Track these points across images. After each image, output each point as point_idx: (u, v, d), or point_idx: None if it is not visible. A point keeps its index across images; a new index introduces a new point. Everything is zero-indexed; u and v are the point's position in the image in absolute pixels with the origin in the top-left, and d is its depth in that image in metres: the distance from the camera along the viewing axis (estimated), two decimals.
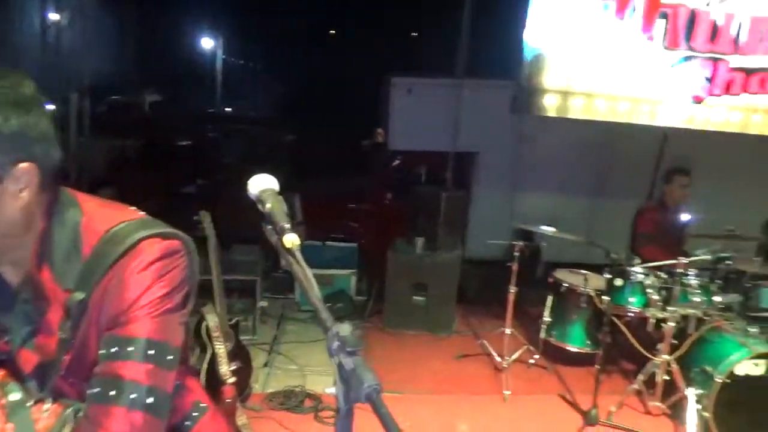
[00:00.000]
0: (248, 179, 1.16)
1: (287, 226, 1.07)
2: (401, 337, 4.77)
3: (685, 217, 4.45)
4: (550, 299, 4.37)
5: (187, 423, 1.25)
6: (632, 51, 4.75)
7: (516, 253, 4.11)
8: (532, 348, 4.37)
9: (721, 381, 3.37)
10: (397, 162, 6.73)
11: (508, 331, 4.20)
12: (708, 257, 3.78)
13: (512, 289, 4.13)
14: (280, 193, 1.16)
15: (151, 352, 1.03)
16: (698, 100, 4.89)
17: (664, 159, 5.40)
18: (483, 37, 6.31)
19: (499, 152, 6.01)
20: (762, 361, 3.39)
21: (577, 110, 5.02)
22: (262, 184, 1.16)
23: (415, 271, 4.89)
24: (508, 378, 3.99)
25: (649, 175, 5.47)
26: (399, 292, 4.88)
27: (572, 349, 4.25)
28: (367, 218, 5.89)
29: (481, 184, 6.21)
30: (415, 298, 4.89)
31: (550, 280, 4.43)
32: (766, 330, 3.65)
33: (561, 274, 4.41)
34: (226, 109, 17.60)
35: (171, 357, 1.06)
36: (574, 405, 3.85)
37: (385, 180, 6.28)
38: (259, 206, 1.14)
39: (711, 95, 4.91)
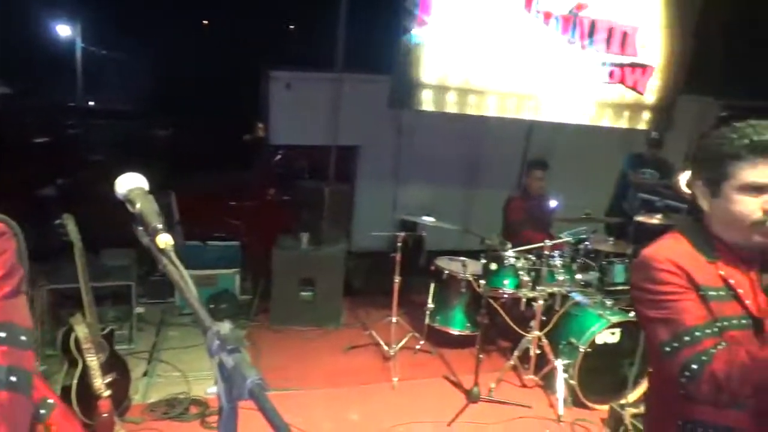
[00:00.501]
0: (116, 178, 1.12)
1: (159, 226, 1.04)
2: (289, 334, 4.73)
3: (552, 203, 4.83)
4: (432, 286, 4.56)
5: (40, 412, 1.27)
6: (503, 48, 5.04)
7: (399, 244, 4.24)
8: (417, 334, 4.53)
9: (584, 350, 3.73)
10: (278, 157, 6.64)
11: (394, 319, 4.32)
12: (570, 239, 4.15)
13: (397, 279, 4.26)
14: (152, 192, 1.12)
15: (3, 334, 1.04)
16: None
17: (530, 150, 5.82)
18: (361, 31, 6.38)
19: (380, 146, 6.13)
20: (617, 330, 3.79)
21: (452, 104, 5.25)
22: (130, 183, 1.12)
23: (300, 266, 4.87)
24: (396, 365, 4.11)
25: (517, 165, 5.88)
26: (285, 288, 4.83)
27: (454, 332, 4.47)
28: (250, 215, 5.75)
29: (363, 177, 6.30)
30: (301, 293, 4.87)
31: (432, 268, 4.62)
32: (619, 302, 4.08)
33: (442, 262, 4.62)
34: (89, 102, 16.26)
35: (24, 337, 1.07)
36: (457, 385, 4.06)
37: (268, 175, 6.18)
38: (128, 207, 1.10)
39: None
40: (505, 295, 4.16)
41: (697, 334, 1.40)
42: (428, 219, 4.26)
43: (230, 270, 5.11)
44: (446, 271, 4.45)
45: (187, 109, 13.68)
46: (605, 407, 3.71)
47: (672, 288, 1.46)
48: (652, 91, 5.75)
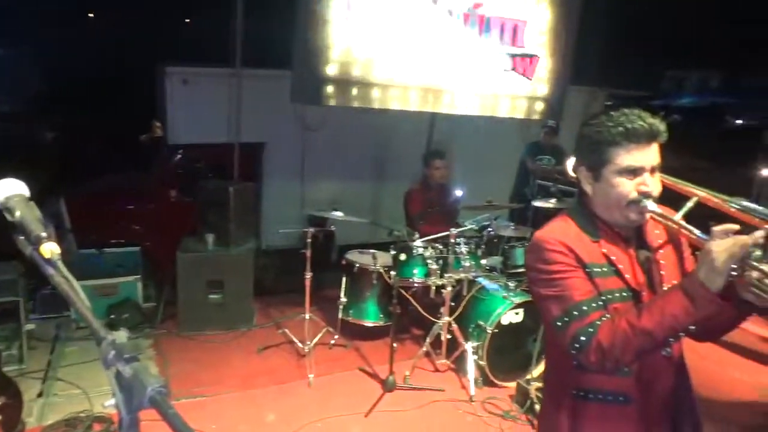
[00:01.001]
0: None
1: (43, 234, 0.97)
2: (199, 340, 4.57)
3: (458, 193, 4.97)
4: (344, 280, 4.58)
5: None
6: (404, 41, 5.13)
7: (308, 240, 4.21)
8: (331, 329, 4.54)
9: (491, 332, 3.90)
10: (179, 157, 6.36)
11: (307, 316, 4.30)
12: (473, 227, 4.32)
13: (308, 275, 4.24)
14: (36, 198, 1.05)
15: None
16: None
17: (433, 142, 5.98)
18: (260, 25, 6.25)
19: (285, 142, 6.05)
20: (521, 310, 4.00)
21: (355, 99, 5.27)
22: (7, 191, 1.05)
23: (207, 268, 4.71)
24: (311, 362, 4.10)
25: (421, 157, 6.01)
26: (192, 292, 4.67)
27: (368, 324, 4.53)
28: (151, 219, 5.47)
29: (270, 174, 6.20)
30: (210, 296, 4.72)
31: (343, 262, 4.64)
32: (522, 283, 4.30)
33: (353, 256, 4.65)
34: None
35: None
36: (373, 376, 4.11)
37: (168, 176, 5.89)
38: (7, 215, 1.02)
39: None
40: (416, 284, 4.26)
41: (584, 308, 1.50)
42: (337, 214, 4.28)
43: (131, 277, 4.86)
44: (357, 265, 4.49)
45: (77, 108, 12.75)
46: (513, 384, 3.92)
47: (562, 267, 1.55)
48: (543, 82, 6.08)
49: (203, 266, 4.71)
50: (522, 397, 3.75)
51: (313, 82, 4.93)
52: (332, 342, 4.51)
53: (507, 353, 4.02)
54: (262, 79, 5.68)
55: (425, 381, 4.03)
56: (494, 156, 6.66)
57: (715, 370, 4.55)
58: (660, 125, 1.53)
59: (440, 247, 4.29)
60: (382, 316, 4.51)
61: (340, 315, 4.55)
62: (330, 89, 5.09)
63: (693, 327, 1.41)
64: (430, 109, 5.57)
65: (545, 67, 6.06)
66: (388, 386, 3.86)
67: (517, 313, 3.99)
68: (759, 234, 1.33)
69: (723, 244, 1.34)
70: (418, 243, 4.24)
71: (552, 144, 6.34)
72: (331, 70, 4.94)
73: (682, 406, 1.67)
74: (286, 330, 4.56)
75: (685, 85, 18.89)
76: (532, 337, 3.97)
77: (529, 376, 3.81)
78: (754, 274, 1.34)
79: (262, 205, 6.14)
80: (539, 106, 6.11)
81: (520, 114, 5.95)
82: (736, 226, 1.38)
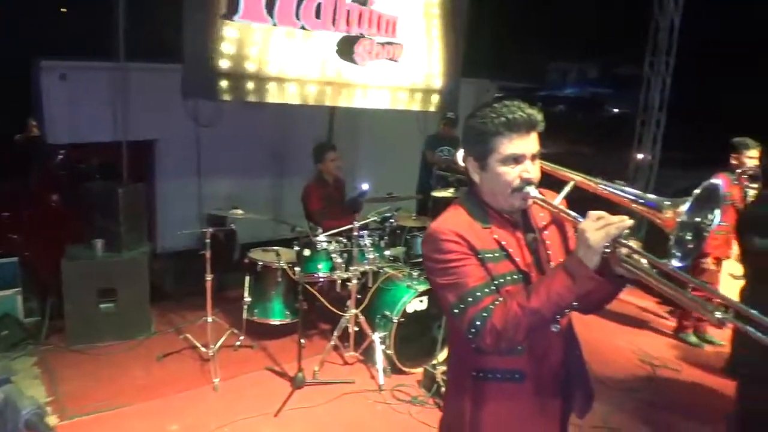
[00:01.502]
0: None
1: None
2: (92, 353, 4.28)
3: (364, 186, 4.95)
4: (248, 279, 4.47)
5: None
6: (298, 34, 5.05)
7: (207, 240, 4.06)
8: (236, 331, 4.42)
9: (397, 321, 3.98)
10: (60, 158, 5.90)
11: (209, 319, 4.16)
12: (375, 218, 4.37)
13: (209, 277, 4.09)
14: None
15: None
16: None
17: (334, 136, 5.97)
18: (147, 15, 5.91)
19: (178, 139, 5.78)
20: (424, 298, 4.10)
21: (250, 93, 5.14)
22: None
23: (97, 276, 4.41)
24: (215, 366, 3.97)
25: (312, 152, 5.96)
26: (81, 303, 4.35)
27: (275, 322, 4.46)
28: (30, 226, 5.04)
29: (163, 173, 5.91)
30: (101, 306, 4.42)
31: (246, 261, 4.52)
32: (424, 272, 4.41)
33: (255, 254, 4.54)
34: None
35: None
36: (282, 374, 4.06)
37: (48, 179, 5.45)
38: None
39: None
40: (321, 279, 4.25)
41: (478, 294, 1.57)
42: (237, 212, 4.16)
43: (9, 291, 4.45)
44: (260, 263, 4.40)
45: None
46: (420, 370, 4.03)
47: (456, 256, 1.61)
48: (438, 76, 6.25)
49: (92, 274, 4.40)
50: (429, 381, 3.87)
51: (206, 76, 4.74)
52: (237, 343, 4.39)
53: (413, 340, 4.11)
54: (150, 73, 5.38)
55: (335, 374, 4.04)
56: (397, 149, 6.76)
57: (601, 339, 4.96)
58: (538, 115, 1.61)
59: (344, 240, 4.30)
60: (288, 313, 4.46)
61: (245, 315, 4.44)
62: (224, 84, 4.93)
63: (576, 303, 1.52)
64: (329, 103, 5.55)
65: (439, 61, 6.24)
66: (297, 383, 3.82)
67: (421, 301, 4.10)
68: (626, 218, 1.45)
69: (596, 224, 1.45)
70: (321, 238, 4.23)
71: (451, 135, 6.55)
72: (224, 63, 4.78)
73: (573, 377, 1.79)
74: (188, 335, 4.38)
75: (568, 76, 20.21)
76: (437, 324, 4.10)
77: (434, 361, 3.93)
78: (624, 250, 1.46)
79: (156, 206, 5.83)
80: (435, 98, 6.28)
81: (417, 106, 6.09)
82: (606, 211, 1.49)
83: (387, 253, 4.39)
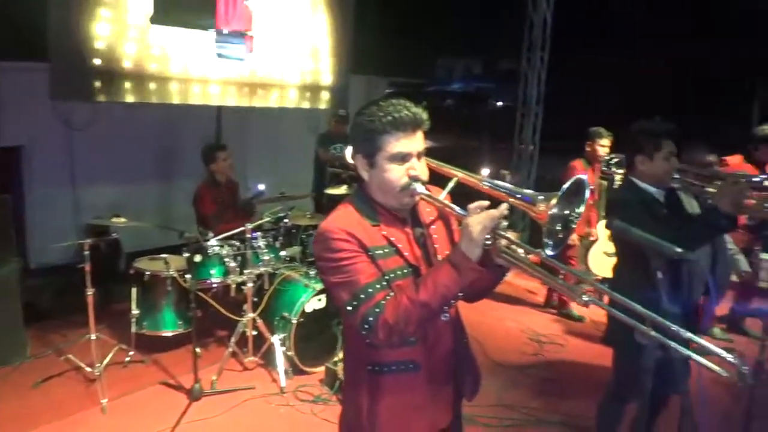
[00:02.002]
0: None
1: None
2: None
3: (261, 187, 4.82)
4: (134, 291, 4.22)
5: None
6: (178, 30, 4.83)
7: (86, 252, 3.78)
8: (124, 346, 4.16)
9: (296, 321, 3.94)
10: None
11: (93, 336, 3.87)
12: (269, 219, 4.29)
13: (90, 291, 3.80)
14: None
15: None
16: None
17: (222, 136, 5.78)
18: (8, 9, 5.36)
19: (48, 144, 5.32)
20: (323, 296, 4.09)
21: (128, 93, 4.86)
22: None
23: None
24: (103, 386, 3.71)
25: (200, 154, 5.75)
26: None
27: (167, 334, 4.25)
28: None
29: (32, 182, 5.40)
30: None
31: (132, 271, 4.27)
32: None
33: (142, 263, 4.30)
34: None
35: None
36: (178, 387, 3.88)
37: None
38: None
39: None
40: (214, 285, 4.11)
41: (370, 290, 1.60)
42: (118, 220, 3.91)
43: None
44: (148, 272, 4.17)
45: None
46: (322, 368, 4.02)
47: (347, 254, 1.62)
48: (327, 72, 6.25)
49: None
50: (331, 379, 3.87)
51: (78, 75, 4.42)
52: (127, 359, 4.14)
53: (314, 339, 4.09)
54: (11, 72, 4.90)
55: (234, 382, 3.93)
56: (289, 147, 6.68)
57: (493, 322, 5.22)
58: (423, 114, 1.66)
59: (237, 243, 4.18)
60: (181, 323, 4.26)
61: (133, 329, 4.19)
62: (98, 83, 4.63)
63: (461, 293, 1.59)
64: (215, 102, 5.37)
65: (327, 58, 6.24)
66: (194, 395, 3.67)
67: (320, 300, 4.08)
68: (503, 207, 1.53)
69: (477, 218, 1.53)
70: (212, 242, 4.09)
71: (343, 133, 6.55)
72: (97, 61, 4.48)
73: (462, 363, 1.87)
74: (70, 356, 4.06)
75: (455, 72, 20.96)
76: (336, 321, 4.10)
77: (336, 358, 3.94)
78: (503, 241, 1.56)
79: (25, 218, 5.33)
80: (325, 95, 6.28)
81: (307, 104, 6.06)
82: (487, 202, 1.57)
83: (283, 253, 4.33)
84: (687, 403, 1.52)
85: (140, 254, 4.59)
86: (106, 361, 3.91)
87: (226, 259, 4.10)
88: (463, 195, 1.74)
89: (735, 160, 4.76)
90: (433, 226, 1.81)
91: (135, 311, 4.19)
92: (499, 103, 18.53)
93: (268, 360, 4.14)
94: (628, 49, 12.56)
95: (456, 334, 1.85)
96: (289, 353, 3.96)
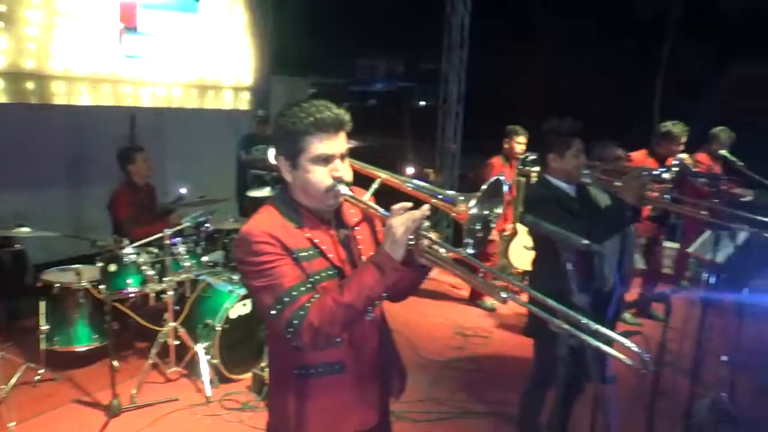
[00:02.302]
0: None
1: None
2: None
3: (183, 190, 4.65)
4: (43, 305, 3.96)
5: None
6: (84, 28, 4.58)
7: None
8: (33, 364, 3.89)
9: (220, 328, 3.83)
10: None
11: None
12: (188, 224, 4.15)
13: None
14: None
15: None
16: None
17: (137, 139, 5.53)
18: None
19: None
20: (248, 301, 4.00)
21: (31, 94, 4.57)
22: None
23: None
24: (10, 408, 3.44)
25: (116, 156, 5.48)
26: None
27: (80, 349, 4.01)
28: None
29: None
30: None
31: (39, 284, 4.00)
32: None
33: (50, 275, 4.04)
34: None
35: None
36: (94, 404, 3.67)
37: None
38: None
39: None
40: (132, 295, 3.93)
41: (294, 293, 1.59)
42: (22, 230, 3.66)
43: None
44: (57, 284, 3.92)
45: None
46: (249, 374, 3.94)
47: (270, 257, 1.60)
48: (247, 73, 6.12)
49: None
50: (258, 385, 3.80)
51: None
52: (37, 378, 3.87)
53: (240, 346, 4.00)
54: None
55: (156, 395, 3.77)
56: (209, 150, 6.48)
57: (420, 319, 5.31)
58: (345, 115, 1.66)
59: (155, 250, 4.02)
60: (96, 336, 4.04)
61: (43, 346, 3.93)
62: None
63: (386, 293, 1.60)
64: (129, 103, 5.14)
65: (248, 58, 6.11)
66: (112, 411, 3.49)
67: (244, 305, 3.99)
68: (425, 208, 1.56)
69: (400, 219, 1.54)
70: (128, 250, 3.90)
71: (265, 134, 6.44)
72: None
73: (388, 361, 1.89)
74: None
75: (377, 72, 21.13)
76: (263, 326, 4.02)
77: (263, 364, 3.86)
78: (425, 241, 1.58)
79: None
80: (245, 96, 6.15)
81: (226, 105, 5.91)
82: (410, 204, 1.59)
83: (205, 259, 4.20)
84: (599, 388, 1.61)
85: (49, 266, 4.30)
86: (12, 382, 3.64)
87: (144, 267, 3.93)
88: (391, 195, 1.75)
89: (639, 156, 5.08)
90: (357, 228, 1.82)
91: (44, 326, 3.92)
92: (422, 103, 18.86)
93: (192, 370, 4.00)
94: (544, 50, 13.14)
95: (381, 334, 1.87)
96: (214, 361, 3.85)
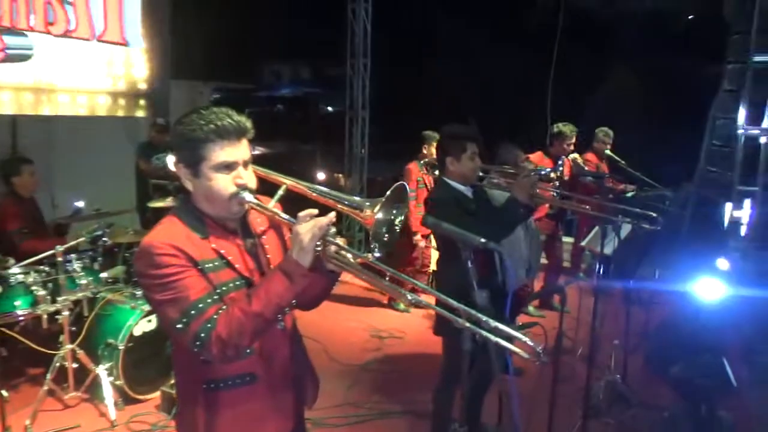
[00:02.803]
0: None
1: None
2: None
3: (79, 204, 4.35)
4: None
5: None
6: None
7: None
8: None
9: (124, 347, 3.64)
10: None
11: None
12: (83, 239, 3.90)
13: None
14: None
15: None
16: None
17: (19, 147, 5.14)
18: None
19: None
20: (152, 317, 3.83)
21: None
22: None
23: None
24: None
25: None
26: None
27: None
28: None
29: None
30: None
31: None
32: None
33: None
34: None
35: None
36: None
37: None
38: None
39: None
40: (21, 318, 3.63)
41: (200, 306, 1.55)
42: None
43: None
44: None
45: None
46: (157, 393, 3.76)
47: (174, 270, 1.55)
48: (143, 80, 5.85)
49: None
50: (168, 403, 3.64)
51: None
52: None
53: (146, 364, 3.81)
54: None
55: (55, 423, 3.51)
56: (106, 160, 6.11)
57: (335, 324, 5.32)
58: (247, 122, 1.64)
59: (46, 269, 3.74)
60: None
61: None
62: None
63: (295, 301, 1.60)
64: (8, 111, 4.75)
65: (143, 64, 5.84)
66: None
67: (149, 321, 3.81)
68: (332, 214, 1.58)
69: (306, 226, 1.55)
70: (15, 270, 3.61)
71: (165, 142, 6.18)
72: None
73: (301, 369, 1.88)
74: None
75: (283, 77, 20.88)
76: (170, 341, 3.86)
77: (172, 381, 3.70)
78: (332, 248, 1.60)
79: None
80: (142, 102, 5.88)
81: (122, 112, 5.61)
82: (316, 210, 1.60)
83: (103, 275, 3.96)
84: (503, 380, 1.71)
85: None
86: None
87: (34, 288, 3.64)
88: (300, 201, 1.75)
89: (536, 157, 5.39)
90: (264, 236, 1.80)
91: None
92: (330, 108, 18.88)
93: (94, 393, 3.76)
94: (446, 57, 13.55)
95: (293, 342, 1.86)
96: (118, 382, 3.65)
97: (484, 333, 1.46)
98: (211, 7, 8.62)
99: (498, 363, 1.65)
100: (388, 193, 1.58)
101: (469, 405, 3.17)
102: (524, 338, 1.48)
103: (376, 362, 4.58)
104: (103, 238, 4.07)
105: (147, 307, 3.77)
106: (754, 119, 5.33)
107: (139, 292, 3.97)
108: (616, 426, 3.67)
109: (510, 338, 1.49)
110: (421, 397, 3.73)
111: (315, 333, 4.80)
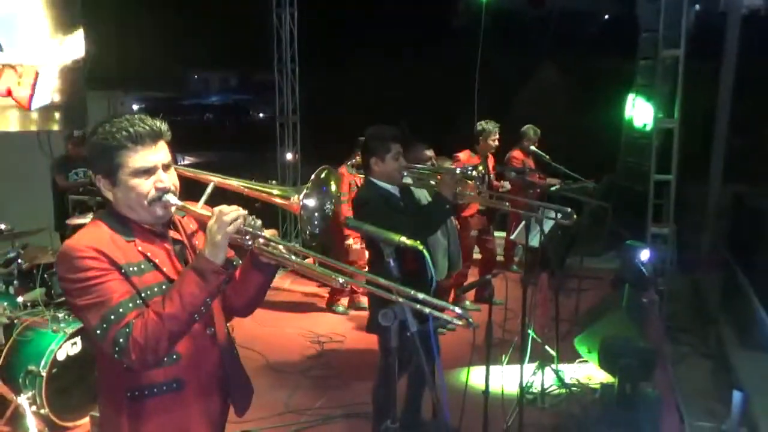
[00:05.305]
0: None
1: None
2: None
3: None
4: None
5: None
6: None
7: None
8: None
9: (47, 374, 3.44)
10: None
11: None
12: None
13: None
14: None
15: None
16: None
17: None
18: None
19: None
20: (77, 339, 3.64)
21: None
22: None
23: None
24: None
25: None
26: None
27: None
28: None
29: None
30: None
31: None
32: (72, 310, 3.91)
33: None
34: None
35: None
36: None
37: None
38: None
39: None
40: None
41: (121, 310, 1.51)
42: None
43: None
44: None
45: None
46: (86, 419, 3.59)
47: (95, 273, 1.51)
48: (56, 91, 5.56)
49: None
50: (98, 429, 3.48)
51: None
52: None
53: (73, 389, 3.61)
54: None
55: None
56: (17, 177, 5.79)
57: (274, 331, 5.25)
58: (162, 125, 1.63)
59: None
60: None
61: None
62: None
63: (210, 299, 1.56)
64: None
65: (57, 75, 5.55)
66: None
67: (74, 344, 3.61)
68: (239, 208, 1.57)
69: (218, 222, 1.54)
70: None
71: (82, 155, 5.90)
72: None
73: (231, 376, 1.83)
74: None
75: (211, 85, 20.45)
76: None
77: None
78: (261, 240, 1.60)
79: None
80: (56, 115, 5.58)
81: (34, 126, 5.31)
82: (232, 207, 1.58)
83: (20, 299, 3.74)
84: (429, 368, 1.75)
85: None
86: None
87: None
88: (234, 201, 1.73)
89: (464, 155, 5.51)
90: (195, 241, 1.78)
91: None
92: (261, 115, 18.64)
93: (15, 425, 3.53)
94: (373, 60, 13.67)
95: (224, 348, 1.82)
96: (43, 411, 3.44)
97: (417, 306, 1.51)
98: (128, 12, 8.32)
99: (422, 351, 1.68)
100: (312, 177, 1.61)
101: (407, 400, 3.22)
102: (452, 307, 1.55)
103: (315, 367, 4.54)
104: (18, 260, 3.84)
105: (70, 329, 3.59)
106: (666, 111, 5.68)
107: (61, 314, 3.77)
108: (550, 410, 3.81)
109: (441, 309, 1.55)
110: (363, 399, 3.74)
111: (254, 343, 4.72)
